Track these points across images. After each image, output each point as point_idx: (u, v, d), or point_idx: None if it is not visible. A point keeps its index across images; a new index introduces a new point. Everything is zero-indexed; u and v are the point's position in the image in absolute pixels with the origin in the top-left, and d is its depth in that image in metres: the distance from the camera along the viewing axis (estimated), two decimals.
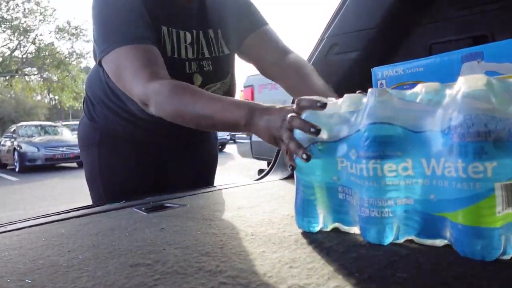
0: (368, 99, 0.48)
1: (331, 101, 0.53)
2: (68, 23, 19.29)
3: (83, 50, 17.05)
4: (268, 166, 1.27)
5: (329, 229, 0.55)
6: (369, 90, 0.48)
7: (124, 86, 0.81)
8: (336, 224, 0.55)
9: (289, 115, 0.55)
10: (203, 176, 1.16)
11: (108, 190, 1.03)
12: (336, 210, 0.53)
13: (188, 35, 0.89)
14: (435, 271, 0.39)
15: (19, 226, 0.72)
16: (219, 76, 0.94)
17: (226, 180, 1.20)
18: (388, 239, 0.47)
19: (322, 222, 0.54)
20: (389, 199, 0.46)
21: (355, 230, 0.52)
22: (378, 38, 1.03)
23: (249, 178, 1.42)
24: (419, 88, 0.47)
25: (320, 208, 0.54)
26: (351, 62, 1.06)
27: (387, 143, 0.45)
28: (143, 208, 0.79)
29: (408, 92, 0.47)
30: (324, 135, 0.52)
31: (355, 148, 0.48)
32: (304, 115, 0.54)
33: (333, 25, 1.10)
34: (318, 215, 0.54)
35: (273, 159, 1.24)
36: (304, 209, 0.55)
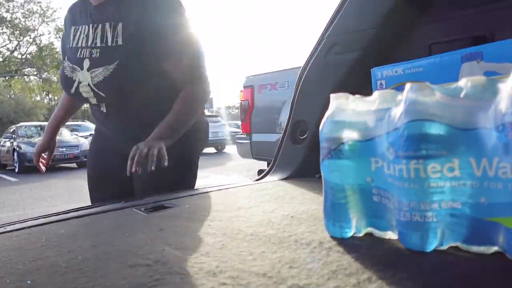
0: (407, 94, 0.44)
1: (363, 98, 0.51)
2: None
3: None
4: (268, 166, 1.26)
5: (362, 234, 0.51)
6: (408, 84, 0.44)
7: None
8: (370, 229, 0.51)
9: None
10: (167, 180, 1.11)
11: (93, 197, 1.28)
12: (370, 214, 0.50)
13: (86, 28, 1.12)
14: (435, 271, 0.39)
15: (19, 226, 0.71)
16: (103, 62, 1.09)
17: (226, 181, 1.20)
18: (432, 245, 0.43)
19: (355, 227, 0.51)
20: (432, 202, 0.42)
21: (391, 235, 0.49)
22: (378, 38, 1.03)
23: (249, 179, 1.42)
24: (464, 82, 0.43)
25: (352, 212, 0.50)
26: (350, 62, 1.06)
27: (429, 141, 0.42)
28: (143, 209, 0.79)
29: (451, 86, 0.44)
30: (354, 134, 0.49)
31: (393, 147, 0.44)
32: (331, 112, 0.52)
33: (332, 25, 1.10)
34: (351, 219, 0.51)
35: (273, 160, 1.24)
36: (336, 213, 0.51)
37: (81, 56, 1.10)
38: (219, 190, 0.98)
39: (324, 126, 0.52)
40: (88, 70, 1.09)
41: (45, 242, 0.60)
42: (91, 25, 1.11)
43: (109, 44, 1.08)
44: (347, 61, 1.07)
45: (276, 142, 1.29)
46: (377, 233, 0.51)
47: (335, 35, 1.09)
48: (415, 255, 0.43)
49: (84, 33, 1.11)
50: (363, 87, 0.94)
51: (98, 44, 1.09)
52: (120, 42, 1.07)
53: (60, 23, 16.87)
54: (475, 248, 0.43)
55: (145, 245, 0.54)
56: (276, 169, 1.20)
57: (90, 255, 0.51)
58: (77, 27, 1.14)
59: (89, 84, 1.09)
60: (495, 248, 0.42)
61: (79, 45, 1.11)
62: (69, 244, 0.57)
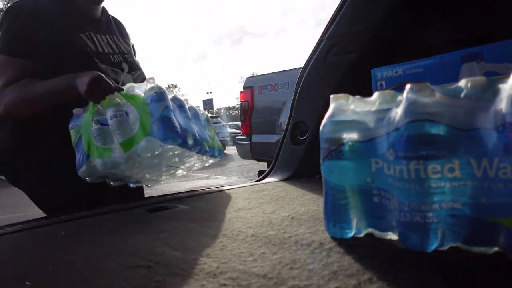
0: (407, 95, 0.44)
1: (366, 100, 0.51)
2: None
3: None
4: (268, 167, 1.26)
5: (362, 235, 0.52)
6: (408, 85, 0.44)
7: None
8: (370, 230, 0.51)
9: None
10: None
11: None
12: (371, 215, 0.50)
13: (104, 37, 1.17)
14: (436, 271, 0.39)
15: (19, 228, 0.71)
16: (138, 66, 1.23)
17: (226, 182, 1.20)
18: (432, 246, 0.43)
19: (356, 227, 0.51)
20: (433, 203, 0.42)
21: (391, 235, 0.49)
22: (378, 39, 1.03)
23: (249, 180, 1.42)
24: (464, 82, 0.43)
25: (353, 213, 0.50)
26: (350, 63, 1.06)
27: (430, 142, 0.42)
28: (143, 210, 0.79)
29: (451, 87, 0.44)
30: (354, 134, 0.49)
31: (393, 148, 0.45)
32: (331, 113, 0.51)
33: (332, 26, 1.10)
34: (352, 220, 0.51)
35: (273, 161, 1.24)
36: (336, 214, 0.51)
37: (116, 60, 1.15)
38: (220, 191, 0.98)
39: (324, 126, 0.52)
40: (129, 72, 1.17)
41: (46, 243, 0.60)
42: (108, 36, 1.18)
43: (131, 53, 1.24)
44: (347, 62, 1.07)
45: (276, 143, 1.30)
46: (377, 233, 0.51)
47: (335, 36, 1.09)
48: (415, 256, 0.43)
49: (104, 41, 1.16)
50: (363, 88, 0.94)
51: (125, 51, 1.21)
52: (134, 54, 1.26)
53: None
54: (475, 249, 0.43)
55: (146, 247, 0.54)
56: (276, 170, 1.20)
57: (90, 256, 0.51)
58: (91, 34, 1.13)
59: None
60: (495, 249, 0.42)
61: (106, 51, 1.14)
62: (69, 245, 0.57)
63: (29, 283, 0.43)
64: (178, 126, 0.88)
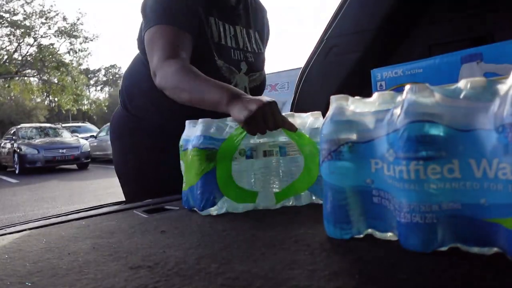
0: (406, 95, 0.44)
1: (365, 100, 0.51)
2: (65, 18, 19.15)
3: (84, 51, 17.01)
4: None
5: (362, 235, 0.51)
6: (408, 86, 0.44)
7: (148, 58, 0.93)
8: (370, 230, 0.51)
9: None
10: None
11: (140, 182, 1.10)
12: (370, 216, 0.50)
13: (232, 29, 1.05)
14: (436, 272, 0.39)
15: (19, 228, 0.72)
16: (258, 67, 1.12)
17: None
18: (432, 246, 0.43)
19: (355, 228, 0.51)
20: (433, 203, 0.42)
21: (391, 236, 0.49)
22: (378, 40, 1.03)
23: None
24: (463, 83, 0.43)
25: (353, 214, 0.50)
26: (350, 63, 1.06)
27: (429, 143, 0.42)
28: (143, 210, 0.79)
29: (451, 87, 0.44)
30: (354, 135, 0.49)
31: (393, 148, 0.45)
32: (331, 113, 0.51)
33: (332, 26, 1.10)
34: (351, 221, 0.51)
35: None
36: (336, 215, 0.51)
37: (236, 57, 1.05)
38: None
39: (324, 127, 0.52)
40: (246, 73, 1.07)
41: (46, 244, 0.60)
42: (238, 27, 1.07)
43: (257, 50, 1.12)
44: (347, 63, 1.07)
45: None
46: (377, 234, 0.51)
47: (335, 37, 1.09)
48: (415, 256, 0.43)
49: (231, 33, 1.05)
50: (363, 89, 0.94)
51: (249, 49, 1.09)
52: (262, 49, 1.14)
53: (61, 25, 16.86)
54: (475, 249, 0.43)
55: (146, 247, 0.54)
56: None
57: (90, 257, 0.51)
58: (219, 22, 1.02)
59: (245, 88, 1.07)
60: (495, 249, 0.42)
61: (229, 44, 1.04)
62: (69, 246, 0.57)
63: (29, 284, 0.43)
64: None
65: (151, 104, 1.06)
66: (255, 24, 1.13)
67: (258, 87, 1.11)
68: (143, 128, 1.09)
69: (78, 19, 16.78)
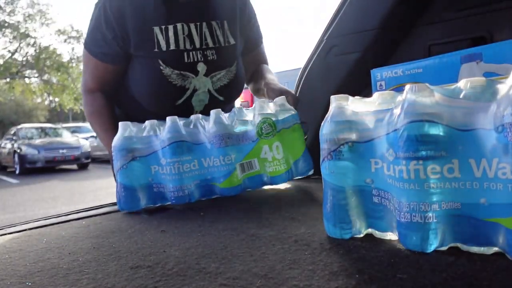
0: (406, 95, 0.44)
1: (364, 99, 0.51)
2: (71, 26, 19.30)
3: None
4: None
5: (362, 235, 0.52)
6: (408, 86, 0.45)
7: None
8: (370, 230, 0.52)
9: None
10: None
11: None
12: (370, 215, 0.50)
13: (186, 28, 0.98)
14: (435, 271, 0.39)
15: (19, 228, 0.72)
16: (223, 65, 1.02)
17: None
18: (432, 246, 0.43)
19: (355, 228, 0.51)
20: (433, 203, 0.42)
21: (391, 236, 0.49)
22: (377, 40, 1.03)
23: None
24: (463, 83, 0.43)
25: (353, 213, 0.51)
26: (350, 63, 1.06)
27: (429, 142, 0.42)
28: (143, 210, 0.79)
29: (451, 87, 0.44)
30: (354, 135, 0.49)
31: (393, 148, 0.45)
32: (331, 113, 0.52)
33: (332, 26, 1.10)
34: (351, 220, 0.51)
35: None
36: (335, 215, 0.51)
37: (191, 60, 0.98)
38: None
39: (324, 127, 0.52)
40: (207, 75, 1.00)
41: (46, 244, 0.60)
42: (192, 25, 0.98)
43: (223, 44, 1.02)
44: (347, 62, 1.07)
45: None
46: (377, 234, 0.51)
47: (335, 37, 1.09)
48: (415, 256, 0.43)
49: (184, 33, 0.97)
50: (363, 88, 0.94)
51: (211, 45, 1.00)
52: (232, 41, 1.04)
53: (60, 26, 16.86)
54: (475, 249, 0.43)
55: (146, 247, 0.54)
56: None
57: (91, 257, 0.51)
58: (167, 27, 0.96)
59: (208, 90, 1.00)
60: (495, 249, 0.42)
61: (182, 47, 0.97)
62: (69, 246, 0.57)
63: (30, 283, 0.43)
64: None
65: (125, 115, 1.09)
66: (220, 13, 1.02)
67: (228, 86, 1.03)
68: None
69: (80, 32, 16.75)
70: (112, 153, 0.81)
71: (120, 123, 0.81)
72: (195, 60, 0.99)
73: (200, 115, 0.83)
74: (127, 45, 0.98)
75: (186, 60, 0.98)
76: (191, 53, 0.98)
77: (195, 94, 1.00)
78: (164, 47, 0.96)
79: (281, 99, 0.85)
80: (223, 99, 1.04)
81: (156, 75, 0.96)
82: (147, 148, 0.79)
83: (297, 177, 0.86)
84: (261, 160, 0.83)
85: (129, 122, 0.82)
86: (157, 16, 0.96)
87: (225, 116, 0.81)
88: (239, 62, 1.07)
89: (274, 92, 0.97)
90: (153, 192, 0.79)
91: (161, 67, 0.96)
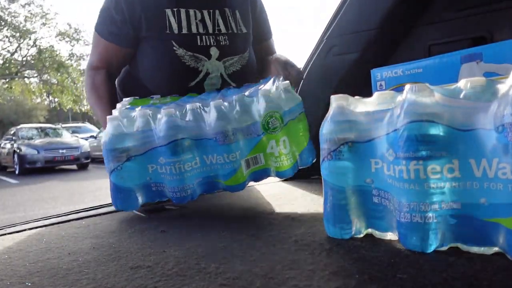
0: (406, 95, 0.44)
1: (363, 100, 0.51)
2: (69, 24, 19.28)
3: (83, 53, 17.01)
4: None
5: (362, 235, 0.52)
6: (408, 86, 0.45)
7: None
8: (370, 230, 0.52)
9: None
10: None
11: None
12: (370, 215, 0.50)
13: (199, 13, 1.00)
14: (435, 271, 0.39)
15: (19, 228, 0.72)
16: (236, 50, 1.03)
17: None
18: (432, 246, 0.43)
19: (355, 228, 0.51)
20: (433, 203, 0.42)
21: (391, 235, 0.49)
22: (377, 40, 1.03)
23: None
24: (463, 83, 0.43)
25: (353, 213, 0.51)
26: (350, 63, 1.06)
27: (429, 142, 0.42)
28: (143, 210, 0.79)
29: (451, 87, 0.44)
30: (354, 135, 0.49)
31: (393, 148, 0.45)
32: (331, 113, 0.52)
33: (332, 26, 1.10)
34: (351, 220, 0.51)
35: None
36: (335, 215, 0.51)
37: (203, 43, 0.99)
38: (219, 191, 0.98)
39: (324, 127, 0.52)
40: (219, 59, 1.01)
41: (46, 244, 0.60)
42: (205, 11, 1.00)
43: (235, 31, 1.04)
44: (347, 62, 1.07)
45: None
46: (377, 234, 0.51)
47: (335, 37, 1.09)
48: (415, 256, 0.43)
49: (197, 19, 0.99)
50: (363, 88, 0.94)
51: (223, 31, 1.02)
52: (244, 30, 1.06)
53: (61, 27, 16.85)
54: (475, 249, 0.43)
55: (146, 247, 0.54)
56: None
57: (90, 257, 0.51)
58: (180, 10, 0.98)
59: (221, 75, 1.01)
60: (495, 249, 0.42)
61: (194, 31, 0.99)
62: (69, 246, 0.57)
63: (30, 283, 0.43)
64: None
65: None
66: (232, 2, 1.05)
67: (241, 72, 1.04)
68: None
69: (78, 29, 16.73)
70: (103, 152, 0.75)
71: (108, 118, 0.75)
72: (208, 44, 0.99)
73: (198, 104, 0.76)
74: (137, 28, 0.97)
75: (199, 43, 0.99)
76: (204, 37, 0.99)
77: (208, 78, 0.99)
78: (176, 30, 0.97)
79: (285, 84, 0.78)
80: (236, 85, 1.04)
81: (169, 56, 0.96)
82: (142, 146, 0.72)
83: (300, 167, 0.80)
84: (267, 155, 0.76)
85: (117, 115, 0.76)
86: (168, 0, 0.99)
87: (226, 107, 0.74)
88: (251, 51, 1.08)
89: (279, 63, 0.98)
90: (151, 191, 0.75)
91: (174, 48, 0.96)
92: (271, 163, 0.77)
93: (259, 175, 0.78)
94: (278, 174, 0.78)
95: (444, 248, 0.44)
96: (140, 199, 0.75)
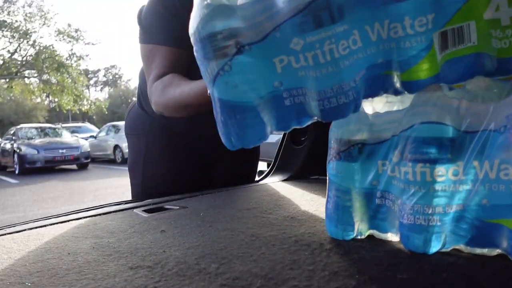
0: (414, 96, 0.44)
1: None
2: (69, 25, 19.28)
3: (82, 52, 17.00)
4: (268, 167, 1.27)
5: (364, 236, 0.51)
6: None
7: (145, 75, 0.95)
8: (371, 231, 0.51)
9: None
10: (245, 173, 1.20)
11: (147, 180, 1.09)
12: (373, 216, 0.50)
13: None
14: (436, 272, 0.39)
15: (19, 228, 0.71)
16: None
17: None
18: (435, 248, 0.43)
19: (358, 229, 0.51)
20: (437, 206, 0.42)
21: (392, 237, 0.49)
22: None
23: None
24: (468, 83, 0.43)
25: (356, 215, 0.50)
26: None
27: (436, 144, 0.42)
28: (143, 210, 0.79)
29: (456, 88, 0.44)
30: (364, 136, 0.49)
31: (399, 149, 0.45)
32: None
33: None
34: (354, 222, 0.50)
35: (273, 161, 1.24)
36: (339, 215, 0.51)
37: None
38: (219, 191, 0.98)
39: (334, 126, 0.51)
40: None
41: (45, 244, 0.60)
42: None
43: None
44: None
45: (276, 143, 1.29)
46: (378, 235, 0.51)
47: None
48: (416, 256, 0.43)
49: None
50: None
51: None
52: None
53: (61, 26, 16.81)
54: (478, 250, 0.43)
55: (146, 247, 0.54)
56: (276, 170, 1.20)
57: (90, 257, 0.51)
58: None
59: None
60: (498, 251, 0.42)
61: None
62: (69, 246, 0.57)
63: (29, 284, 0.43)
64: None
65: (165, 120, 1.02)
66: None
67: None
68: (155, 128, 1.08)
69: (78, 30, 16.68)
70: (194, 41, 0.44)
71: None
72: None
73: None
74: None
75: None
76: None
77: None
78: None
79: None
80: None
81: None
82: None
83: None
84: (483, 25, 0.37)
85: None
86: None
87: None
88: None
89: None
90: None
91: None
92: (490, 44, 0.37)
93: (459, 69, 0.38)
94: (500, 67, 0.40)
95: (447, 249, 0.44)
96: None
